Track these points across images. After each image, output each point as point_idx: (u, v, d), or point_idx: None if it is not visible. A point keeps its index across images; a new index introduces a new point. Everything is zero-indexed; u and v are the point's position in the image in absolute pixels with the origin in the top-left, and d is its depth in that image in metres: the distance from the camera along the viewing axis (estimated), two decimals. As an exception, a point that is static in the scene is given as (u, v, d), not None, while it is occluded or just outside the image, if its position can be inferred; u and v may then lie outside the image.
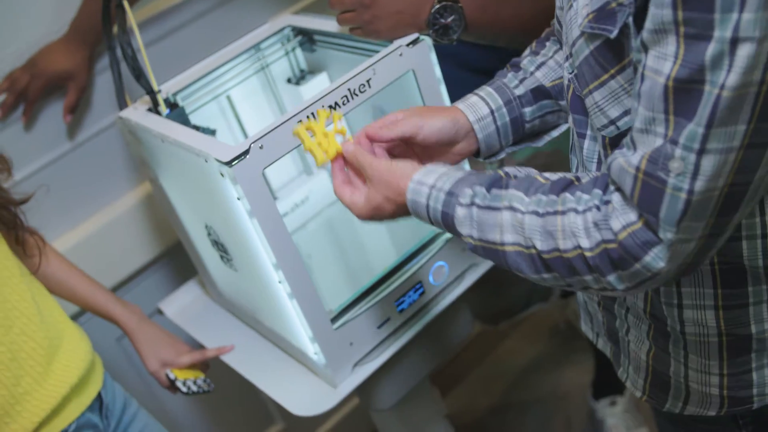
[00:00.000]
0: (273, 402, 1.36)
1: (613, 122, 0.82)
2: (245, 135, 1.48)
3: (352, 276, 1.42)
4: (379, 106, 1.38)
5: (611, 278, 0.78)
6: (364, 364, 1.30)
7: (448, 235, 1.36)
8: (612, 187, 0.77)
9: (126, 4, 1.25)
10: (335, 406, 1.27)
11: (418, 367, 1.42)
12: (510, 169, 0.89)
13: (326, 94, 1.13)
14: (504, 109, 1.04)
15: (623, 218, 0.75)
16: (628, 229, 0.75)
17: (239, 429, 1.97)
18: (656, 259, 0.75)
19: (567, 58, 0.86)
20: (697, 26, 0.66)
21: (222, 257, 1.33)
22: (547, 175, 0.85)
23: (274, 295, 1.22)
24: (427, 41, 1.21)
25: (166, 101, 1.30)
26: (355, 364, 1.29)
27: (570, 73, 0.86)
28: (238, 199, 1.09)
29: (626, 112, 0.80)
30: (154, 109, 1.29)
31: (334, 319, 1.25)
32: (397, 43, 1.20)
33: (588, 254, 0.78)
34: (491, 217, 0.84)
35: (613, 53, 0.77)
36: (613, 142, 0.84)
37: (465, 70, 1.47)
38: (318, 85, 1.45)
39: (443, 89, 1.26)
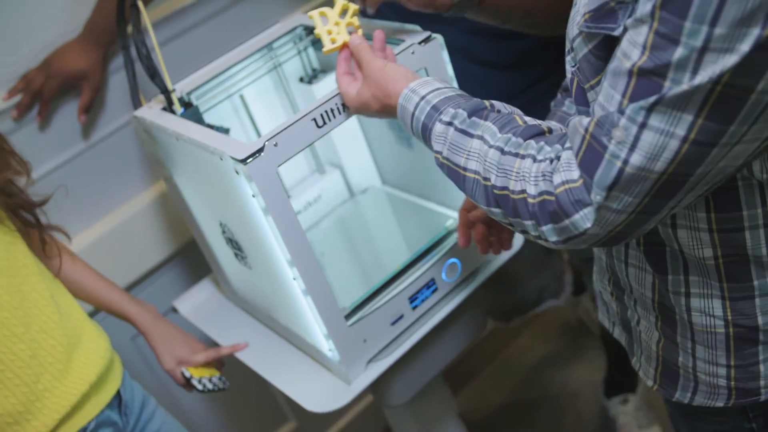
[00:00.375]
0: (286, 399, 1.37)
1: None
2: (258, 134, 1.49)
3: (365, 273, 1.43)
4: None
5: (545, 228, 0.83)
6: (377, 360, 1.30)
7: (461, 232, 1.37)
8: (566, 145, 0.81)
9: (141, 4, 1.26)
10: (349, 403, 1.28)
11: (431, 363, 1.43)
12: (497, 103, 0.93)
13: (337, 94, 1.14)
14: None
15: (566, 174, 0.79)
16: (566, 185, 0.79)
17: (253, 426, 1.98)
18: (584, 219, 0.79)
19: (568, 52, 0.88)
20: (669, 28, 0.69)
21: (236, 255, 1.34)
22: (526, 119, 0.89)
23: (289, 293, 1.22)
24: (439, 39, 1.22)
25: (181, 100, 1.31)
26: (369, 360, 1.30)
27: (573, 67, 0.88)
28: (253, 196, 1.10)
29: None
30: (169, 108, 1.30)
31: (348, 316, 1.25)
32: (409, 41, 1.20)
33: (530, 200, 0.83)
34: (463, 141, 0.90)
35: (610, 50, 0.79)
36: None
37: (473, 63, 1.47)
38: (330, 83, 1.46)
39: (455, 86, 1.26)
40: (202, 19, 1.63)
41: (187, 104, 1.31)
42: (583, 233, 0.80)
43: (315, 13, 1.09)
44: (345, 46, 1.08)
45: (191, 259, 1.71)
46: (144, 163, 1.64)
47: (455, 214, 1.41)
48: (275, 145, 1.09)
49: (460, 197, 1.39)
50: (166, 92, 1.28)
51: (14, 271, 1.17)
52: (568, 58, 0.90)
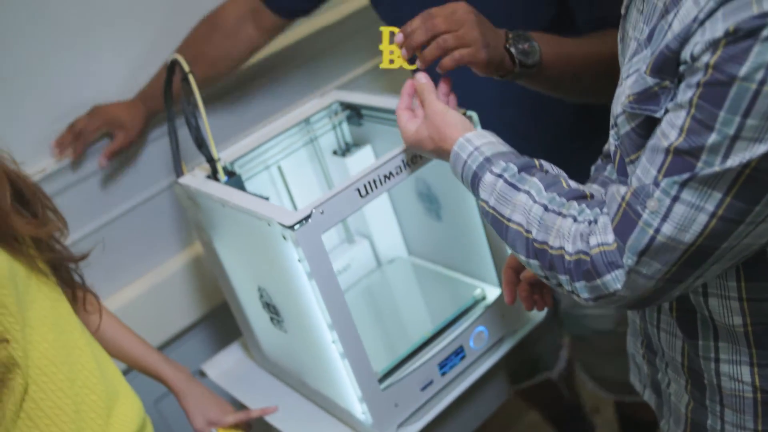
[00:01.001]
0: (314, 463, 1.39)
1: None
2: (293, 202, 1.55)
3: (394, 340, 1.47)
4: (422, 178, 1.46)
5: (578, 285, 0.90)
6: (408, 425, 1.34)
7: (488, 301, 1.42)
8: (604, 210, 0.88)
9: (191, 78, 1.34)
10: (379, 466, 1.31)
11: (458, 429, 1.46)
12: (545, 163, 1.00)
13: (384, 163, 1.20)
14: None
15: (601, 237, 0.87)
16: (601, 247, 0.86)
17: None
18: (615, 280, 0.86)
19: (612, 127, 0.95)
20: (705, 115, 0.76)
21: (272, 319, 1.38)
22: (570, 182, 0.97)
23: (325, 356, 1.27)
24: (474, 117, 1.29)
25: (224, 169, 1.37)
26: (400, 424, 1.33)
27: (616, 141, 0.94)
28: (299, 261, 1.15)
29: None
30: (213, 176, 1.36)
31: (380, 380, 1.29)
32: (445, 118, 1.27)
33: (567, 257, 0.90)
34: (510, 193, 0.97)
35: (652, 129, 0.85)
36: None
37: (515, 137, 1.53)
38: (362, 157, 1.53)
39: (487, 162, 1.33)
40: (243, 91, 1.72)
41: (230, 173, 1.37)
42: (613, 294, 0.87)
43: (386, 29, 1.17)
44: (411, 82, 1.17)
45: (219, 323, 1.75)
46: (177, 228, 1.70)
47: (481, 284, 1.47)
48: (322, 212, 1.15)
49: (485, 268, 1.44)
50: (211, 161, 1.35)
51: (60, 327, 1.21)
52: (612, 132, 0.96)
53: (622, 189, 0.86)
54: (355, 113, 1.52)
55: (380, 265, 1.66)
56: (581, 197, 0.94)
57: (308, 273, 1.16)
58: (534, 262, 0.94)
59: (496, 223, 0.99)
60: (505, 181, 0.98)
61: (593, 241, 0.87)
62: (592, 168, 1.19)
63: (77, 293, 1.31)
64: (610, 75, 1.28)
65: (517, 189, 0.96)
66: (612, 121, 0.95)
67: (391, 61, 1.18)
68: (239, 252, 1.37)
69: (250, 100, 1.75)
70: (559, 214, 0.92)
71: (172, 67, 1.39)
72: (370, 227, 1.63)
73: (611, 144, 0.97)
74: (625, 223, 0.84)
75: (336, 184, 1.58)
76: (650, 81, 0.83)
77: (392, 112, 1.42)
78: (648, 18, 0.87)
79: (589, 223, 0.89)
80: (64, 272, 1.29)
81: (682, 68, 0.79)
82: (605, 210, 0.88)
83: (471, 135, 1.05)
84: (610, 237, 0.86)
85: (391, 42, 1.18)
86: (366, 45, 1.82)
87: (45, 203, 1.27)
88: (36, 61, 1.49)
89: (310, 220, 1.14)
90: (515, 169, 0.98)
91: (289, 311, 1.31)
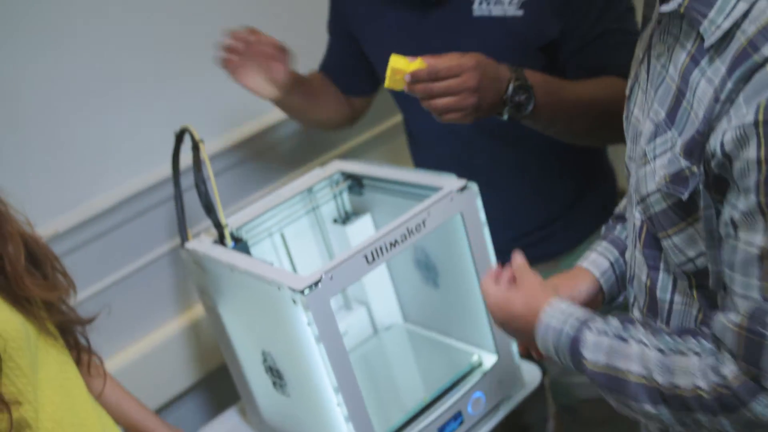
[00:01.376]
0: None
1: (691, 260, 0.93)
2: (294, 268, 1.59)
3: (395, 404, 1.49)
4: (421, 246, 1.51)
5: (724, 420, 0.86)
6: (408, 489, 1.35)
7: (485, 367, 1.46)
8: (718, 342, 0.86)
9: (202, 146, 1.39)
10: None
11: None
12: (637, 315, 1.00)
13: (388, 233, 1.25)
14: (621, 260, 1.17)
15: (732, 367, 0.83)
16: (737, 378, 0.83)
17: None
18: (762, 405, 0.82)
19: (638, 203, 0.98)
20: None
21: (274, 383, 1.40)
22: (665, 328, 0.96)
23: (329, 420, 1.29)
24: (474, 188, 1.34)
25: (231, 235, 1.41)
26: (400, 489, 1.35)
27: (643, 216, 0.97)
28: (308, 324, 1.18)
29: (702, 253, 0.91)
30: (220, 241, 1.40)
31: (381, 445, 1.32)
32: (447, 188, 1.33)
33: (704, 394, 0.86)
34: (621, 347, 0.94)
35: (689, 208, 0.88)
36: (695, 276, 0.94)
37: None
38: (362, 225, 1.58)
39: (486, 232, 1.38)
40: (239, 160, 1.77)
41: (237, 239, 1.41)
42: (764, 419, 0.83)
43: (396, 56, 1.25)
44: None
45: (215, 388, 1.76)
46: (175, 293, 1.72)
47: (478, 350, 1.50)
48: (331, 278, 1.19)
49: (482, 334, 1.48)
50: (219, 227, 1.39)
51: (66, 389, 1.23)
52: (638, 208, 0.99)
53: (732, 316, 0.83)
54: (356, 183, 1.57)
55: (377, 331, 1.69)
56: (691, 332, 0.91)
57: (316, 336, 1.19)
58: (663, 409, 0.90)
59: (611, 381, 0.94)
60: (611, 336, 0.95)
61: (725, 371, 0.84)
62: (603, 228, 1.23)
63: (82, 356, 1.33)
64: (603, 120, 1.37)
65: (626, 341, 0.94)
66: (636, 198, 0.97)
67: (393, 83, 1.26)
68: (244, 316, 1.40)
69: (254, 166, 1.81)
70: (679, 352, 0.89)
71: (181, 135, 1.44)
72: (368, 294, 1.66)
73: (636, 218, 0.99)
74: (751, 349, 0.81)
75: (336, 251, 1.62)
76: (683, 163, 0.85)
77: (393, 182, 1.48)
78: (662, 99, 0.91)
79: (714, 355, 0.86)
80: (71, 334, 1.31)
81: (714, 163, 0.80)
82: (723, 341, 0.85)
83: (557, 302, 1.04)
84: (742, 365, 0.83)
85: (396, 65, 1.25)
86: (380, 109, 1.88)
87: (55, 265, 1.30)
88: (51, 126, 1.54)
89: (320, 284, 1.17)
90: (617, 322, 0.96)
91: (293, 375, 1.33)
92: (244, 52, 1.52)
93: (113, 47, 1.59)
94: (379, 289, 1.67)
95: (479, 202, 1.36)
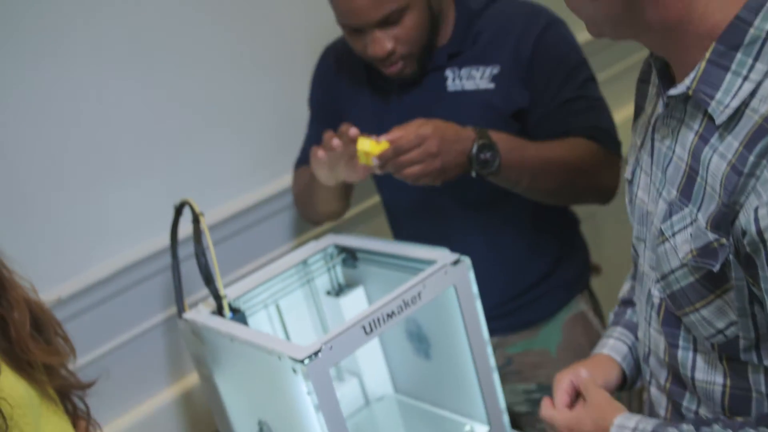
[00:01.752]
0: None
1: (720, 332, 0.96)
2: (289, 339, 1.61)
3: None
4: (413, 318, 1.54)
5: None
6: None
7: (477, 438, 1.48)
8: None
9: (202, 219, 1.43)
10: None
11: None
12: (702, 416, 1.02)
13: (384, 304, 1.29)
14: (637, 344, 1.20)
15: None
16: None
17: None
18: None
19: (658, 280, 1.00)
20: None
21: (270, 453, 1.42)
22: (742, 419, 0.97)
23: (324, 489, 1.30)
24: (467, 261, 1.39)
25: (229, 306, 1.44)
26: None
27: (663, 293, 1.00)
28: (308, 394, 1.21)
29: (732, 323, 0.94)
30: (218, 312, 1.43)
31: None
32: (441, 261, 1.38)
33: None
34: None
35: (718, 280, 0.91)
36: (722, 348, 0.97)
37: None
38: (355, 298, 1.62)
39: (479, 304, 1.43)
40: (233, 232, 1.81)
41: (234, 310, 1.44)
42: None
43: (362, 139, 1.38)
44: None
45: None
46: (167, 362, 1.74)
47: (470, 422, 1.52)
48: (330, 348, 1.22)
49: (474, 405, 1.51)
50: (218, 298, 1.42)
51: (67, 457, 1.24)
52: (657, 286, 1.02)
53: None
54: (350, 256, 1.61)
55: (368, 402, 1.71)
56: (761, 421, 0.93)
57: (316, 405, 1.21)
58: None
59: None
60: None
61: None
62: (610, 315, 1.27)
63: (81, 422, 1.34)
64: (569, 177, 1.45)
65: None
66: (657, 276, 1.00)
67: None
68: (241, 386, 1.42)
69: (249, 237, 1.85)
70: None
71: (181, 208, 1.48)
72: (360, 365, 1.69)
73: (654, 297, 1.02)
74: None
75: (330, 323, 1.65)
76: (711, 236, 0.88)
77: (385, 255, 1.53)
78: (672, 179, 0.95)
79: None
80: (69, 400, 1.32)
81: (746, 240, 0.83)
82: None
83: (621, 419, 1.05)
84: None
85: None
86: (359, 189, 1.94)
87: (57, 330, 1.32)
88: (54, 196, 1.58)
89: (320, 354, 1.20)
90: (691, 427, 0.97)
91: (289, 445, 1.35)
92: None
93: (114, 119, 1.64)
94: (371, 360, 1.70)
95: (472, 276, 1.40)
